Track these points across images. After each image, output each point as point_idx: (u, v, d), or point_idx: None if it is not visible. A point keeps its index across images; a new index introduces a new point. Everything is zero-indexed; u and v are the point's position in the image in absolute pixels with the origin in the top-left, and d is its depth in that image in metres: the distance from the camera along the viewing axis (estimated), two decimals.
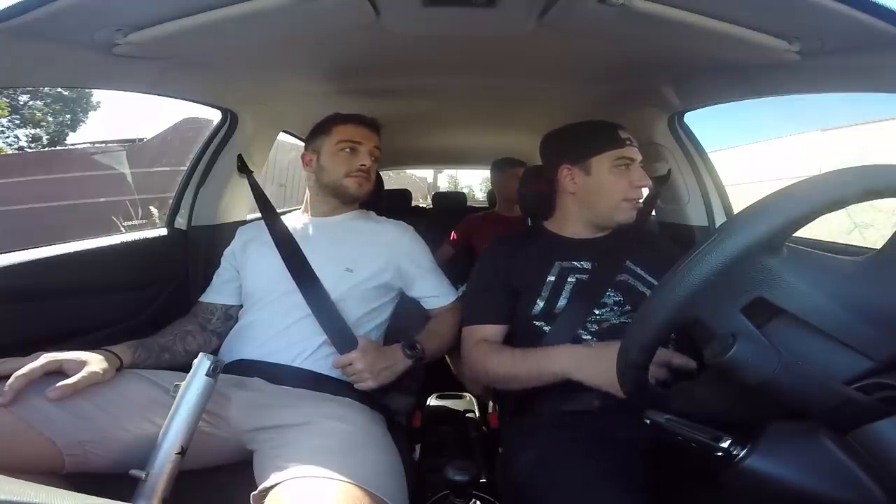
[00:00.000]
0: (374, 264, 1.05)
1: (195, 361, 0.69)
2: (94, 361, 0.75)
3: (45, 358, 0.71)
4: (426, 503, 1.01)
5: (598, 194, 1.00)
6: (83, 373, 0.72)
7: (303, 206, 1.19)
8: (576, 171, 1.02)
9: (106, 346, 0.83)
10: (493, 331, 1.00)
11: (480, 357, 0.96)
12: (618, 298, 0.94)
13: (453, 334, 1.09)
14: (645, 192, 1.00)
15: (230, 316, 1.09)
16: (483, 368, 0.94)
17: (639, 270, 0.98)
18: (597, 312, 0.93)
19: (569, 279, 0.97)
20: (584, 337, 0.91)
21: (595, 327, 0.92)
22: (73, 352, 0.75)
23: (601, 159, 0.99)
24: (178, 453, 0.66)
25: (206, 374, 0.68)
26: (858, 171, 0.45)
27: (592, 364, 0.82)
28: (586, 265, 0.98)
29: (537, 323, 0.96)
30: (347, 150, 1.09)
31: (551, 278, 0.97)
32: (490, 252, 1.07)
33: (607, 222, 1.02)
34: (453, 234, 2.18)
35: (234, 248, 1.13)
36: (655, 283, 0.95)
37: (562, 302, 0.95)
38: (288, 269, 1.01)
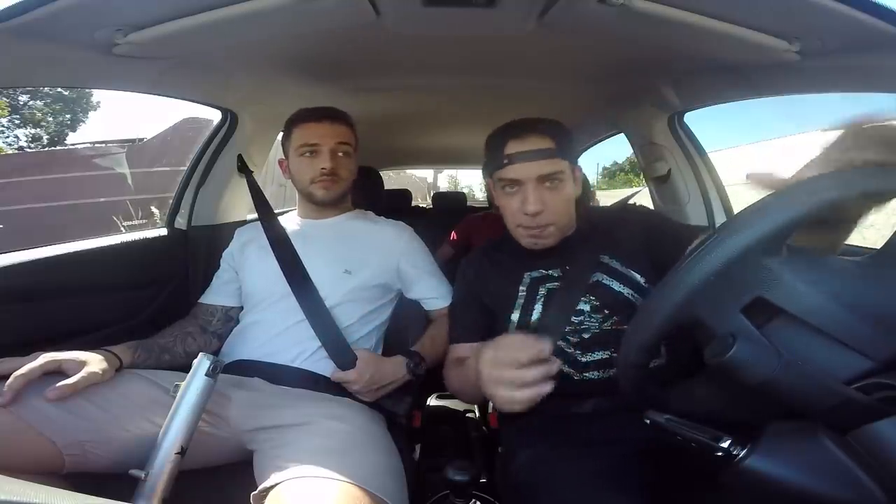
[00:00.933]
0: (373, 265, 1.05)
1: (195, 361, 0.69)
2: (94, 361, 0.75)
3: (45, 358, 0.71)
4: (426, 503, 1.01)
5: (505, 219, 0.92)
6: (82, 373, 0.72)
7: (297, 208, 1.17)
8: (492, 189, 0.95)
9: (106, 347, 0.83)
10: (468, 349, 0.94)
11: (449, 375, 0.95)
12: (595, 303, 0.87)
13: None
14: (542, 217, 0.86)
15: (230, 317, 1.09)
16: (450, 386, 0.94)
17: (613, 264, 0.90)
18: (574, 320, 0.87)
19: (540, 290, 0.91)
20: (567, 350, 0.87)
21: (576, 339, 0.87)
22: (72, 352, 0.75)
23: (494, 181, 0.91)
24: (178, 453, 0.66)
25: (206, 374, 0.69)
26: (858, 171, 0.45)
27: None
28: (555, 273, 0.92)
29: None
30: (307, 153, 1.05)
31: (522, 290, 0.92)
32: (464, 268, 1.03)
33: (529, 248, 0.92)
34: (453, 234, 2.18)
35: (233, 249, 1.13)
36: (634, 273, 0.89)
37: (535, 316, 0.90)
38: (283, 273, 1.00)
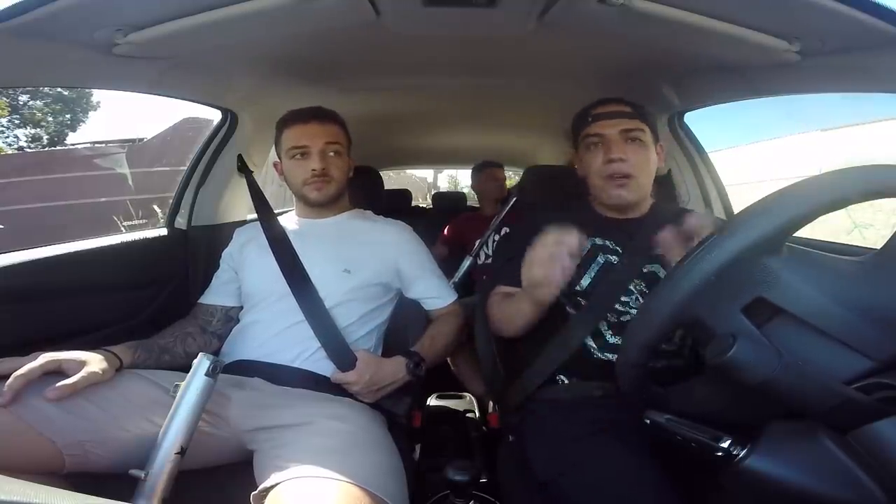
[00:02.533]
0: (373, 265, 1.05)
1: (195, 361, 0.69)
2: (94, 361, 0.75)
3: (45, 358, 0.71)
4: (426, 503, 1.01)
5: (589, 177, 0.98)
6: (82, 373, 0.72)
7: (295, 209, 1.17)
8: (578, 154, 1.02)
9: (106, 347, 0.83)
10: (512, 290, 0.97)
11: (493, 308, 0.98)
12: (643, 290, 0.90)
13: (454, 338, 1.08)
14: (624, 166, 0.91)
15: (230, 317, 1.09)
16: (492, 319, 0.97)
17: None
18: (623, 299, 0.89)
19: (598, 258, 0.93)
20: (604, 330, 0.90)
21: (614, 318, 0.90)
22: (72, 352, 0.74)
23: (580, 142, 0.99)
24: (178, 453, 0.66)
25: (206, 374, 0.68)
26: (858, 171, 0.45)
27: None
28: (618, 247, 0.94)
29: (562, 300, 0.93)
30: (298, 155, 1.05)
31: (584, 251, 0.92)
32: (522, 231, 1.00)
33: (611, 203, 0.96)
34: (446, 231, 2.18)
35: (232, 249, 1.13)
36: None
37: (586, 280, 0.92)
38: (282, 273, 1.00)
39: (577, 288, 0.92)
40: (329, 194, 1.07)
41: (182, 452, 0.66)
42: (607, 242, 0.95)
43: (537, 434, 0.86)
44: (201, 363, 0.69)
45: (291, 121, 1.07)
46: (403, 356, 0.98)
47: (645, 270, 0.91)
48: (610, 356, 0.88)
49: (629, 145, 0.92)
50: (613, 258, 0.93)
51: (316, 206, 1.09)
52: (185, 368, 0.70)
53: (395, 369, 0.96)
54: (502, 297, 0.98)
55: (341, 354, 0.94)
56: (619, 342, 0.88)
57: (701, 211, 1.43)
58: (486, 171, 2.21)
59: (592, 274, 0.93)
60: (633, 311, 0.89)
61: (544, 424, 0.86)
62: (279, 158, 1.12)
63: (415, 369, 0.97)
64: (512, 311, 0.93)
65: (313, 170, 1.04)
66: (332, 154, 1.06)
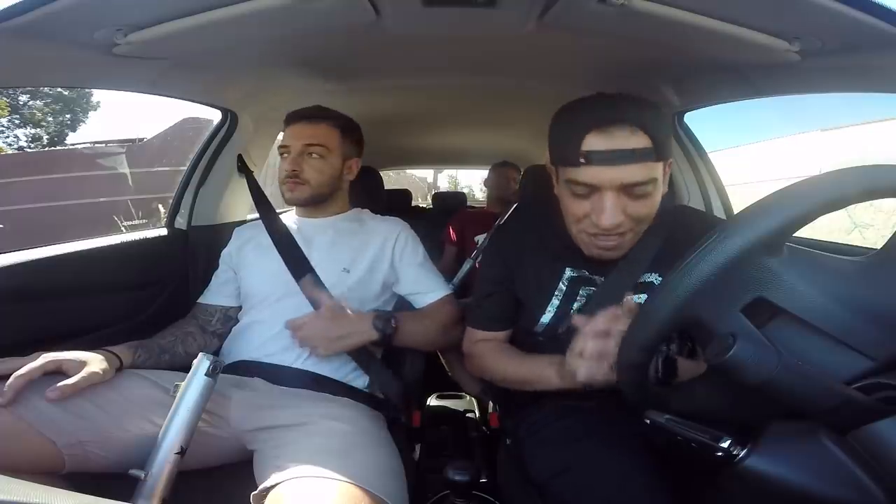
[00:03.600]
0: (370, 263, 1.05)
1: (195, 361, 0.70)
2: (94, 361, 0.75)
3: (45, 358, 0.71)
4: (426, 503, 1.01)
5: (564, 215, 0.79)
6: (83, 373, 0.72)
7: (295, 208, 1.17)
8: (555, 184, 0.81)
9: (106, 347, 0.83)
10: (498, 336, 0.93)
11: (479, 354, 0.93)
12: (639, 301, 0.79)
13: (440, 326, 1.05)
14: (619, 228, 0.72)
15: (230, 317, 1.09)
16: (480, 366, 0.92)
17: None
18: None
19: (580, 292, 0.82)
20: None
21: None
22: (72, 352, 0.75)
23: (559, 177, 0.77)
24: (178, 453, 0.66)
25: (206, 374, 0.69)
26: (858, 171, 0.45)
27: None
28: (597, 278, 0.82)
29: (541, 339, 0.86)
30: (283, 154, 1.07)
31: (562, 287, 0.83)
32: (500, 244, 0.94)
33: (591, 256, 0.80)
34: (451, 234, 2.19)
35: (232, 249, 1.13)
36: None
37: (565, 324, 0.82)
38: (289, 269, 1.00)
39: (559, 332, 0.84)
40: (302, 197, 1.06)
41: (182, 452, 0.66)
42: (583, 272, 0.83)
43: (532, 436, 0.84)
44: (201, 363, 0.69)
45: (287, 119, 1.10)
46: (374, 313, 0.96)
47: (643, 281, 0.81)
48: None
49: (629, 199, 0.70)
50: (591, 290, 0.83)
51: (298, 207, 1.11)
52: (185, 368, 0.70)
53: (359, 323, 0.93)
54: (491, 348, 0.90)
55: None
56: None
57: (700, 211, 1.43)
58: (499, 169, 2.27)
59: (574, 312, 0.82)
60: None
61: (539, 426, 0.85)
62: None
63: (383, 327, 0.93)
64: (527, 374, 0.82)
65: (286, 170, 1.05)
66: (313, 156, 1.05)
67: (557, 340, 0.81)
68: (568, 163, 0.71)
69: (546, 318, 0.84)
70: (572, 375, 0.68)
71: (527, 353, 0.87)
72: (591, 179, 0.69)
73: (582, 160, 0.68)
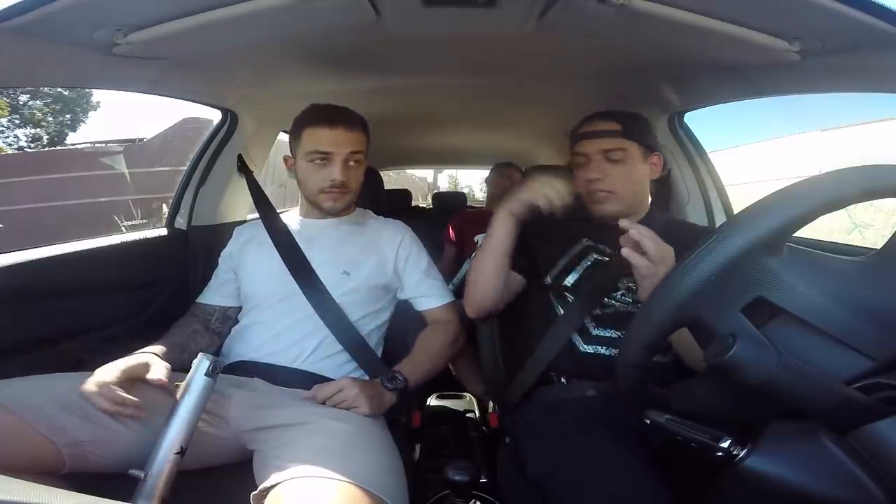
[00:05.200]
0: (371, 266, 1.04)
1: (195, 361, 0.70)
2: (157, 362, 0.80)
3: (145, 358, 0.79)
4: (426, 503, 1.01)
5: (576, 180, 1.01)
6: (161, 368, 0.78)
7: (298, 207, 1.15)
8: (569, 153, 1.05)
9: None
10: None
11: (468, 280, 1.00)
12: (633, 287, 0.92)
13: (447, 349, 1.03)
14: (602, 184, 0.96)
15: (228, 317, 1.08)
16: (471, 280, 0.99)
17: None
18: (605, 300, 0.94)
19: (588, 257, 0.98)
20: (587, 322, 0.93)
21: (598, 311, 0.93)
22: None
23: (572, 157, 1.03)
24: (178, 453, 0.66)
25: (206, 374, 0.69)
26: (858, 171, 0.45)
27: None
28: (609, 249, 0.98)
29: (550, 296, 0.98)
30: (318, 160, 1.00)
31: (574, 250, 0.99)
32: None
33: (595, 216, 0.99)
34: (451, 234, 2.19)
35: (231, 249, 1.12)
36: None
37: (570, 279, 0.96)
38: (289, 270, 1.00)
39: (566, 284, 0.96)
40: (343, 205, 1.05)
41: (182, 452, 0.66)
42: (599, 244, 0.99)
43: (530, 434, 0.86)
44: (201, 363, 0.69)
45: (317, 122, 1.00)
46: (384, 373, 0.94)
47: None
48: (592, 349, 0.92)
49: (610, 163, 0.95)
50: (604, 258, 0.97)
51: (327, 214, 1.07)
52: (185, 368, 0.70)
53: (377, 387, 0.90)
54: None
55: (351, 340, 0.96)
56: (602, 334, 0.92)
57: (701, 211, 1.43)
58: (501, 169, 2.31)
59: (581, 271, 0.97)
60: (617, 305, 0.94)
61: (536, 424, 0.87)
62: (293, 156, 1.06)
63: (393, 384, 0.92)
64: (475, 270, 0.98)
65: (333, 180, 1.00)
66: (353, 164, 1.03)
67: (564, 297, 0.97)
68: (573, 142, 1.02)
69: (554, 273, 0.98)
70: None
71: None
72: (582, 149, 0.99)
73: (576, 137, 1.01)
